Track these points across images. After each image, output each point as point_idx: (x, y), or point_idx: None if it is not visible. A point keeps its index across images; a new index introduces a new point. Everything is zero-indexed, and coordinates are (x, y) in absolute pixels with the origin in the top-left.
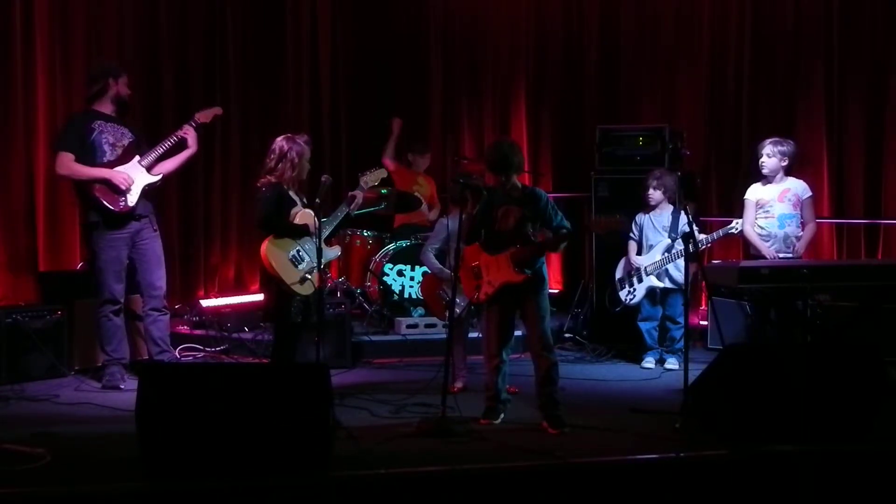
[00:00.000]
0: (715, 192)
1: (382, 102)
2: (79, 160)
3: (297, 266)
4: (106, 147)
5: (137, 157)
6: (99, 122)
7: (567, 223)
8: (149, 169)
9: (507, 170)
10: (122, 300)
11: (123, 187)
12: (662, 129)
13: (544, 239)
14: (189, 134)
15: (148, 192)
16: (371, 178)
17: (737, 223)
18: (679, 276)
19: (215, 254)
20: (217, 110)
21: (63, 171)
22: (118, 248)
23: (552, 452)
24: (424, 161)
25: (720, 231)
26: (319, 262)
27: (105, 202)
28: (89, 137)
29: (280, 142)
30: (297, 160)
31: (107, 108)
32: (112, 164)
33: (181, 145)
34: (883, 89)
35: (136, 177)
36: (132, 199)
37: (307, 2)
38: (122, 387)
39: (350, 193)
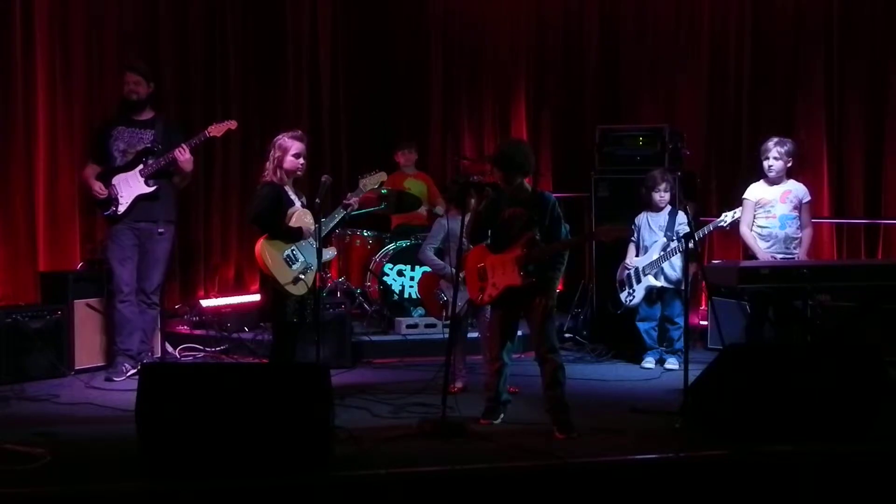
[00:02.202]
0: (715, 192)
1: (382, 102)
2: (100, 165)
3: (290, 266)
4: (116, 154)
5: (140, 167)
6: (119, 127)
7: (570, 237)
8: (147, 180)
9: (508, 168)
10: (128, 290)
11: (99, 198)
12: (662, 129)
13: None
14: (181, 156)
15: (160, 196)
16: (370, 182)
17: (725, 216)
18: (674, 275)
19: (215, 254)
20: (231, 124)
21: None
22: (121, 239)
23: (552, 453)
24: (410, 157)
25: (709, 226)
26: (320, 264)
27: (97, 206)
28: (106, 143)
29: (272, 140)
30: (277, 154)
31: (133, 110)
32: (118, 171)
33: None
34: (883, 89)
35: (132, 185)
36: (121, 208)
37: (307, 2)
38: (116, 379)
39: (345, 201)
